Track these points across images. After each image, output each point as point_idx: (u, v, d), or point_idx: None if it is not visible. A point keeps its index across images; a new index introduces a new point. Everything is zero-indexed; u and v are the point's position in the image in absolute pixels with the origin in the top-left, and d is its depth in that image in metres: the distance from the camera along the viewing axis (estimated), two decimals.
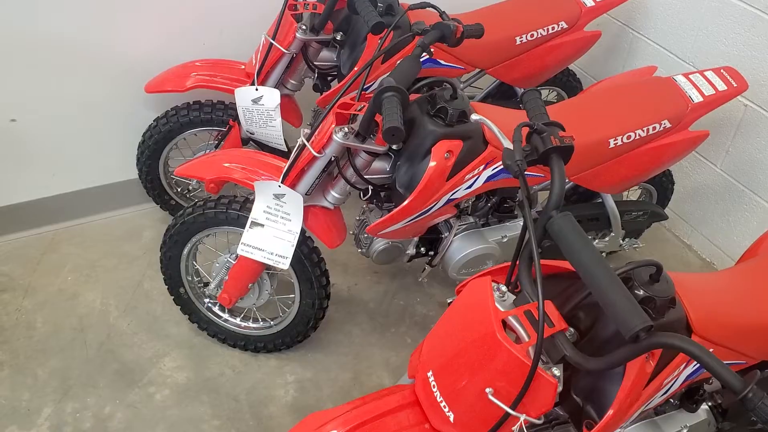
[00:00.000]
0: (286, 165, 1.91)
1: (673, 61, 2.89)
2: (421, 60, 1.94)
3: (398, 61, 1.89)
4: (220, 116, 2.49)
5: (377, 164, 1.95)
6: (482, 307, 1.35)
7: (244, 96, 2.34)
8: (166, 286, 2.27)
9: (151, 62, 2.53)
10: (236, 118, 2.45)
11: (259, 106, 2.33)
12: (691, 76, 2.29)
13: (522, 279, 1.41)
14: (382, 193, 2.05)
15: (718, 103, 2.27)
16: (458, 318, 1.41)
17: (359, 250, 2.23)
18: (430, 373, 1.42)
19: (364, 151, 1.87)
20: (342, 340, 2.44)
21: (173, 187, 2.72)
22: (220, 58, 2.56)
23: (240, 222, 2.06)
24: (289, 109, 2.43)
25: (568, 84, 3.12)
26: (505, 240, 2.24)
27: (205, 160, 2.08)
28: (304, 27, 2.27)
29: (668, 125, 2.18)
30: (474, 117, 1.54)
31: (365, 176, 1.95)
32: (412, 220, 1.94)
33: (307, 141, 1.85)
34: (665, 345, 1.15)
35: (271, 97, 2.32)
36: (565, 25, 2.66)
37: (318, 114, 2.65)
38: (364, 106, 1.84)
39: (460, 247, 2.18)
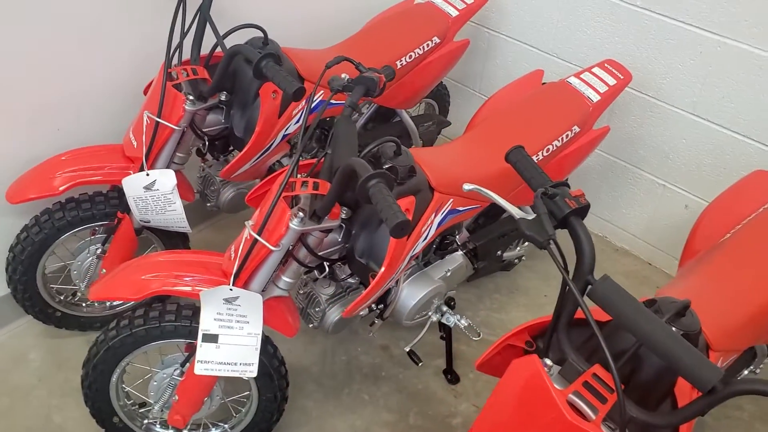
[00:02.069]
0: (234, 265, 1.68)
1: (537, 55, 2.97)
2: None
3: (333, 131, 1.73)
4: (102, 210, 2.16)
5: (328, 237, 1.79)
6: (541, 389, 1.28)
7: (134, 185, 2.04)
8: (94, 419, 1.95)
9: (2, 163, 2.12)
10: (124, 208, 2.13)
11: (154, 192, 2.05)
12: (582, 76, 2.36)
13: (565, 348, 1.36)
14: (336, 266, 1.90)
15: (613, 97, 2.36)
16: (513, 404, 1.33)
17: (310, 326, 2.05)
18: None
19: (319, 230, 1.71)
20: (299, 418, 2.25)
21: (56, 296, 2.33)
22: (82, 144, 2.21)
23: (179, 333, 1.80)
24: (181, 184, 2.16)
25: (439, 94, 3.11)
26: (449, 274, 2.18)
27: (122, 276, 1.78)
28: (191, 98, 2.01)
29: (578, 130, 2.23)
30: (467, 187, 1.44)
31: (319, 253, 1.78)
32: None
33: (257, 233, 1.64)
34: (741, 392, 1.16)
35: (165, 179, 2.04)
36: (438, 40, 2.62)
37: (208, 180, 2.40)
38: (310, 182, 1.67)
39: (410, 294, 2.08)
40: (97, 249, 2.25)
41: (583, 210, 1.32)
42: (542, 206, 1.29)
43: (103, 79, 2.25)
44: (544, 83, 2.41)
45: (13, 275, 2.17)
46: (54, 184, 2.06)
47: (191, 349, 1.83)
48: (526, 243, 2.59)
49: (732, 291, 1.66)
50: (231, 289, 1.69)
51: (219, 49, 2.06)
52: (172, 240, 2.33)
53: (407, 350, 2.23)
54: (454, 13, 2.70)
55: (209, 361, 1.71)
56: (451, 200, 1.88)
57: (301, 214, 1.63)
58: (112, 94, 2.28)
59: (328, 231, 1.75)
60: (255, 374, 1.74)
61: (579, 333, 1.42)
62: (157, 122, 2.00)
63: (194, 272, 1.76)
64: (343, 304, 1.99)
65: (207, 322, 1.70)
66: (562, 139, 2.18)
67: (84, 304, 2.40)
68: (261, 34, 2.05)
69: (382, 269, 1.68)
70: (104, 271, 2.24)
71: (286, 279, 1.80)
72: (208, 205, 2.44)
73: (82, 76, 2.19)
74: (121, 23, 2.19)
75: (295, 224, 1.62)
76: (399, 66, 2.52)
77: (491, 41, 3.13)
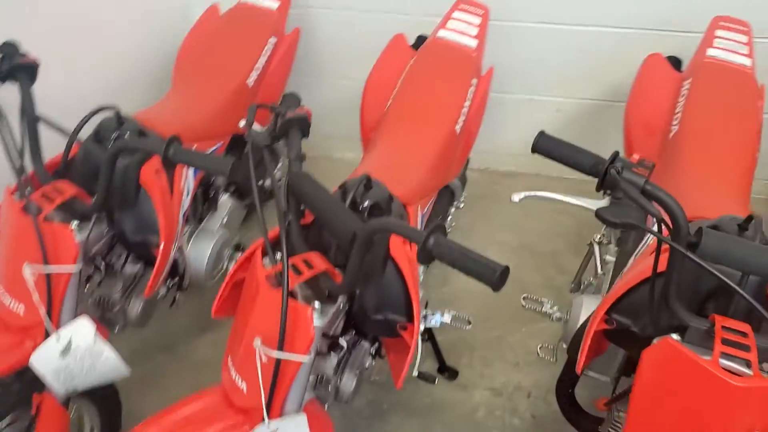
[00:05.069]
0: (263, 398, 1.35)
1: (381, 18, 2.75)
2: None
3: (290, 192, 1.43)
4: (8, 401, 1.65)
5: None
6: (693, 368, 1.19)
7: (45, 358, 1.57)
8: None
9: None
10: (41, 388, 1.65)
11: (74, 353, 1.60)
12: (448, 26, 2.22)
13: (682, 314, 1.26)
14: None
15: (485, 36, 2.25)
16: (667, 394, 1.24)
17: (326, 405, 1.76)
18: None
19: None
20: None
21: None
22: None
23: None
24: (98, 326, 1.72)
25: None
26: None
27: None
28: (76, 224, 1.56)
29: (476, 81, 2.10)
30: (516, 198, 1.25)
31: (332, 334, 1.51)
32: None
33: (279, 349, 1.32)
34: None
35: (83, 331, 1.59)
36: (274, 39, 2.32)
37: (104, 303, 1.94)
38: (301, 265, 1.36)
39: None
40: None
41: (649, 171, 1.21)
42: (627, 187, 1.15)
43: None
44: (414, 46, 2.25)
45: None
46: None
47: None
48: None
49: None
50: (268, 424, 1.37)
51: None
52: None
53: (416, 375, 2.04)
54: (275, 5, 2.40)
55: None
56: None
57: (317, 304, 1.34)
58: None
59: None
60: None
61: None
62: (48, 274, 1.53)
63: (206, 426, 1.40)
64: (351, 366, 1.73)
65: None
66: (468, 98, 2.04)
67: None
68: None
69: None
70: None
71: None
72: (116, 330, 1.98)
73: None
74: None
75: (318, 322, 1.33)
76: (252, 83, 2.19)
77: (321, 20, 2.83)
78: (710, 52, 2.02)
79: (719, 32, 2.09)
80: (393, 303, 1.54)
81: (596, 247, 1.92)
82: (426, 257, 1.14)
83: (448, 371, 2.27)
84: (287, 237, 1.43)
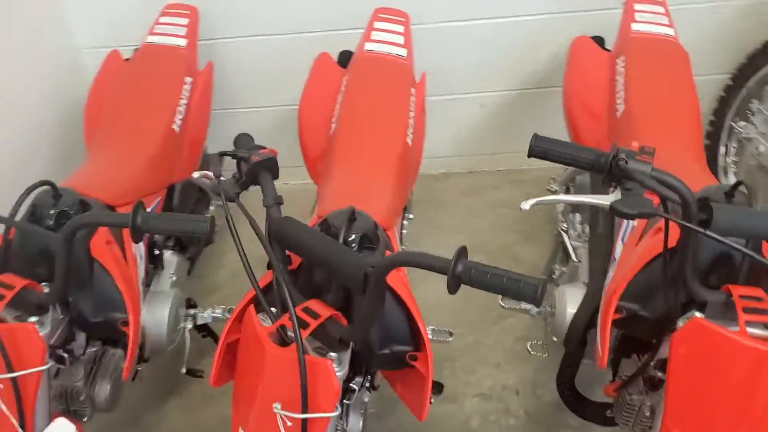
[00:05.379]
0: None
1: (294, 41, 2.65)
2: None
3: (273, 239, 1.33)
4: None
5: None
6: (726, 345, 1.20)
7: None
8: None
9: None
10: None
11: None
12: (373, 37, 2.17)
13: (700, 292, 1.26)
14: None
15: (410, 40, 2.22)
16: (702, 375, 1.23)
17: None
18: None
19: None
20: None
21: None
22: None
23: None
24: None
25: None
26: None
27: None
28: (35, 320, 1.39)
29: (414, 91, 2.06)
30: (525, 206, 1.20)
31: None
32: None
33: (304, 413, 1.22)
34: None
35: None
36: (190, 78, 2.19)
37: (69, 394, 1.75)
38: (306, 318, 1.26)
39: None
40: None
41: (652, 157, 1.20)
42: (642, 177, 1.14)
43: None
44: (339, 63, 2.18)
45: None
46: None
47: None
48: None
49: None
50: None
51: None
52: None
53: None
54: (182, 42, 2.26)
55: None
56: None
57: (333, 354, 1.25)
58: None
59: None
60: None
61: None
62: (14, 378, 1.35)
63: None
64: (355, 408, 1.64)
65: None
66: (411, 108, 1.99)
67: None
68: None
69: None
70: None
71: None
72: (85, 420, 1.80)
73: None
74: None
75: (340, 373, 1.25)
76: (177, 128, 2.05)
77: (228, 51, 2.69)
78: (635, 26, 2.07)
79: (638, 6, 2.14)
80: (398, 334, 1.47)
81: (566, 236, 1.92)
82: (456, 286, 1.08)
83: (433, 386, 2.21)
84: (279, 288, 1.33)
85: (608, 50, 2.16)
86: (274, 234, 1.33)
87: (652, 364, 1.55)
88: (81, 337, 1.69)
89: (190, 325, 2.03)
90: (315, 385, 1.22)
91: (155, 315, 1.90)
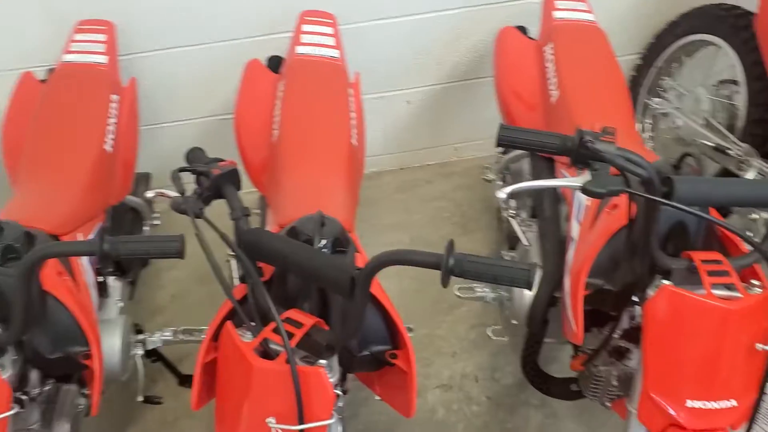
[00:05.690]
0: None
1: (214, 51, 2.58)
2: None
3: (243, 253, 1.30)
4: None
5: None
6: (709, 312, 1.27)
7: None
8: None
9: None
10: None
11: None
12: (303, 40, 2.15)
13: (665, 261, 1.33)
14: None
15: (340, 41, 2.21)
16: (686, 338, 1.29)
17: None
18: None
19: None
20: None
21: None
22: None
23: None
24: None
25: None
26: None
27: None
28: (1, 367, 1.31)
29: (352, 92, 2.06)
30: (501, 195, 1.22)
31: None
32: None
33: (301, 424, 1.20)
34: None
35: None
36: (116, 96, 2.09)
37: None
38: (292, 329, 1.24)
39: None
40: None
41: (614, 137, 1.25)
42: (612, 157, 1.18)
43: None
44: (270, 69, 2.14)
45: None
46: None
47: None
48: None
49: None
50: None
51: None
52: None
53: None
54: (103, 59, 2.16)
55: None
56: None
57: (323, 362, 1.24)
58: None
59: None
60: None
61: None
62: None
63: None
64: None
65: None
66: (351, 108, 1.99)
67: None
68: None
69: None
70: None
71: None
72: None
73: None
74: None
75: (333, 379, 1.24)
76: (110, 149, 1.96)
77: (149, 65, 2.57)
78: (557, 14, 2.15)
79: None
80: (375, 334, 1.47)
81: (513, 222, 1.97)
82: (448, 279, 1.10)
83: None
84: (258, 300, 1.31)
85: (533, 39, 2.24)
86: (246, 246, 1.30)
87: (616, 335, 1.63)
88: (34, 377, 1.60)
89: (141, 352, 1.96)
90: (309, 394, 1.20)
91: (107, 344, 1.81)
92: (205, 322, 1.91)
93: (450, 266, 1.07)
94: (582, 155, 1.21)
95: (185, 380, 2.15)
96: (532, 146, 1.28)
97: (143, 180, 2.42)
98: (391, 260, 1.13)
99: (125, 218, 2.24)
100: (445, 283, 1.09)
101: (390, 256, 1.14)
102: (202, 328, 1.89)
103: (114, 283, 2.02)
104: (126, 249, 1.19)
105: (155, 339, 1.99)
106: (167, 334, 1.99)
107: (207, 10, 2.47)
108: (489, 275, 1.07)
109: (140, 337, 1.97)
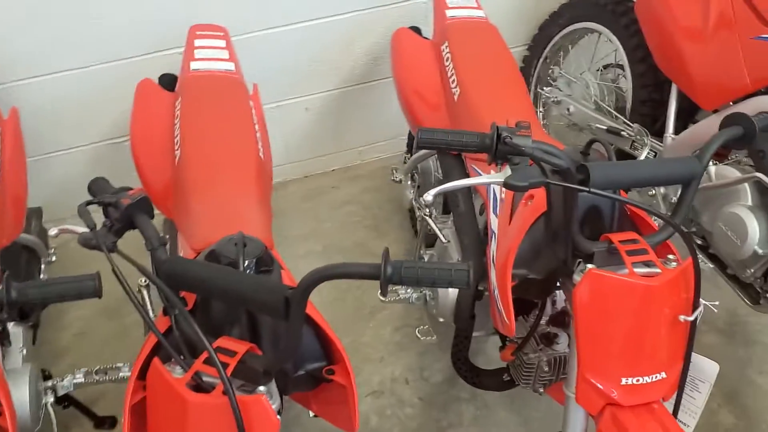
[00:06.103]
0: None
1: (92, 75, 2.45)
2: None
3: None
4: None
5: None
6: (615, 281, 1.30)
7: None
8: None
9: None
10: None
11: None
12: (197, 56, 2.07)
13: (586, 245, 1.36)
14: None
15: (234, 53, 2.14)
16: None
17: None
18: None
19: None
20: None
21: None
22: None
23: None
24: None
25: None
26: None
27: None
28: None
29: (252, 103, 2.00)
30: (428, 197, 1.21)
31: None
32: None
33: None
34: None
35: None
36: None
37: None
38: (226, 358, 1.19)
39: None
40: None
41: (529, 130, 1.27)
42: (531, 151, 1.20)
43: None
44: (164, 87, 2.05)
45: None
46: None
47: None
48: None
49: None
50: None
51: None
52: None
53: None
54: None
55: None
56: None
57: (262, 389, 1.19)
58: None
59: None
60: None
61: None
62: None
63: None
64: None
65: None
66: (255, 120, 1.93)
67: None
68: None
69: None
70: None
71: None
72: None
73: None
74: None
75: (275, 405, 1.19)
76: None
77: (28, 93, 2.40)
78: (449, 13, 2.17)
79: None
80: (310, 352, 1.43)
81: (430, 220, 1.98)
82: (387, 288, 1.08)
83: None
84: (185, 332, 1.24)
85: (427, 39, 2.26)
86: (167, 276, 1.23)
87: (543, 321, 1.66)
88: None
89: (51, 399, 1.82)
90: (252, 424, 1.15)
91: (16, 398, 1.68)
92: (116, 359, 1.83)
93: (388, 275, 1.05)
94: (501, 151, 1.22)
95: (102, 422, 2.04)
96: (452, 147, 1.29)
97: (35, 215, 2.27)
98: (326, 275, 1.10)
99: (20, 258, 2.09)
100: (384, 292, 1.07)
101: (324, 271, 1.10)
102: (118, 365, 1.80)
103: (14, 329, 1.88)
104: (37, 294, 1.11)
105: (66, 384, 1.85)
106: (79, 377, 1.86)
107: (89, 32, 2.34)
108: (428, 279, 1.05)
109: (49, 383, 1.84)
